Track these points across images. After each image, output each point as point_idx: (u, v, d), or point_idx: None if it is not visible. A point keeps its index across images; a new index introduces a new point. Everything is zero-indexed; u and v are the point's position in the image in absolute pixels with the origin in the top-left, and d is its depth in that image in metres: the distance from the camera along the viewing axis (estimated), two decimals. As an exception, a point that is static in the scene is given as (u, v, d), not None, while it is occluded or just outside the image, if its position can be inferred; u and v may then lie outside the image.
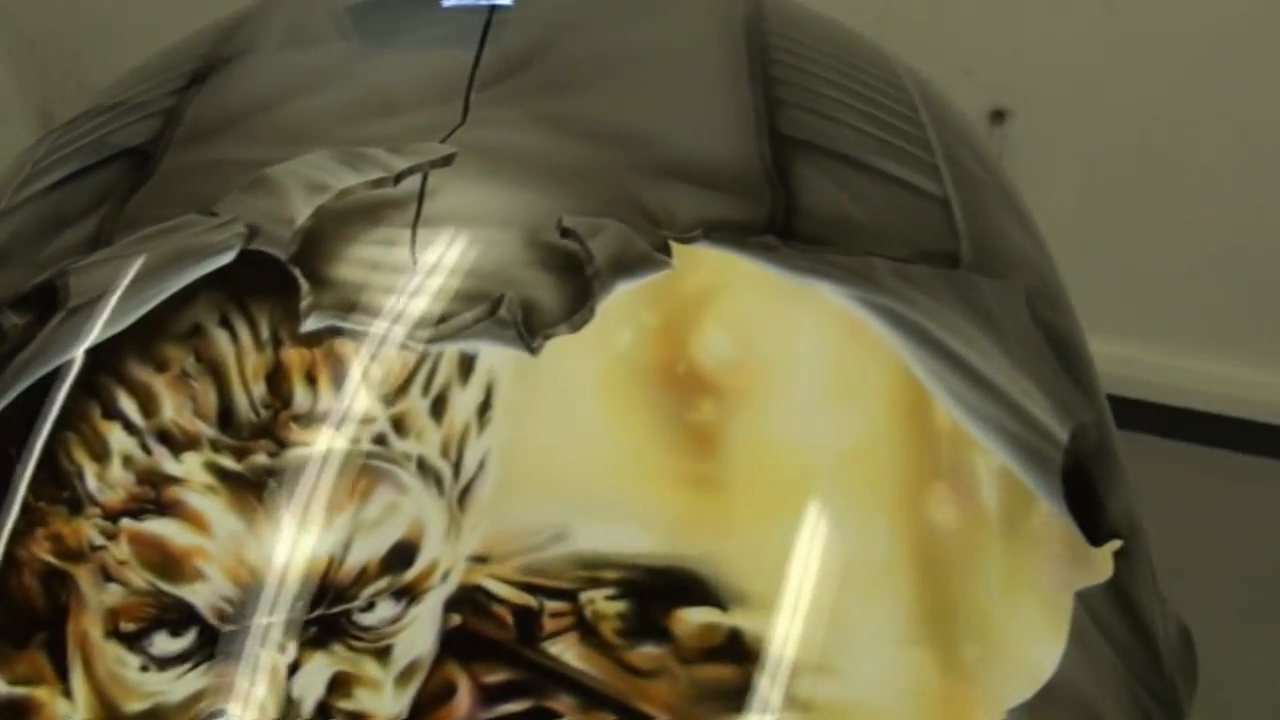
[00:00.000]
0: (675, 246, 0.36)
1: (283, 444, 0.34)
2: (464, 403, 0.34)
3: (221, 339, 0.35)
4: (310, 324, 0.35)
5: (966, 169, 0.45)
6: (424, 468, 0.33)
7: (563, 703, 0.32)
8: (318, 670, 0.32)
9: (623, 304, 0.35)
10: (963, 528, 0.35)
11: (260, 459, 0.33)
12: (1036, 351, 0.40)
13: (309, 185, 0.37)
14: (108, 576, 0.33)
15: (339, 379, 0.34)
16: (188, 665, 0.32)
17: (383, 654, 0.32)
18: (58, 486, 0.34)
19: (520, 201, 0.38)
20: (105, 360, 0.35)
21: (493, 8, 0.45)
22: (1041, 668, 0.35)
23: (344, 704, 0.32)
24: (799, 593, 0.33)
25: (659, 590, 0.33)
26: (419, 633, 0.32)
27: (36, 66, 1.60)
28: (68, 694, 0.32)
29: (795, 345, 0.36)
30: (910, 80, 0.49)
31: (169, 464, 0.34)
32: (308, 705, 0.32)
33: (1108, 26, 1.27)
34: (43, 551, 0.33)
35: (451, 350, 0.34)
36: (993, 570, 0.35)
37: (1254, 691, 1.03)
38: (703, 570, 0.33)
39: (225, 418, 0.34)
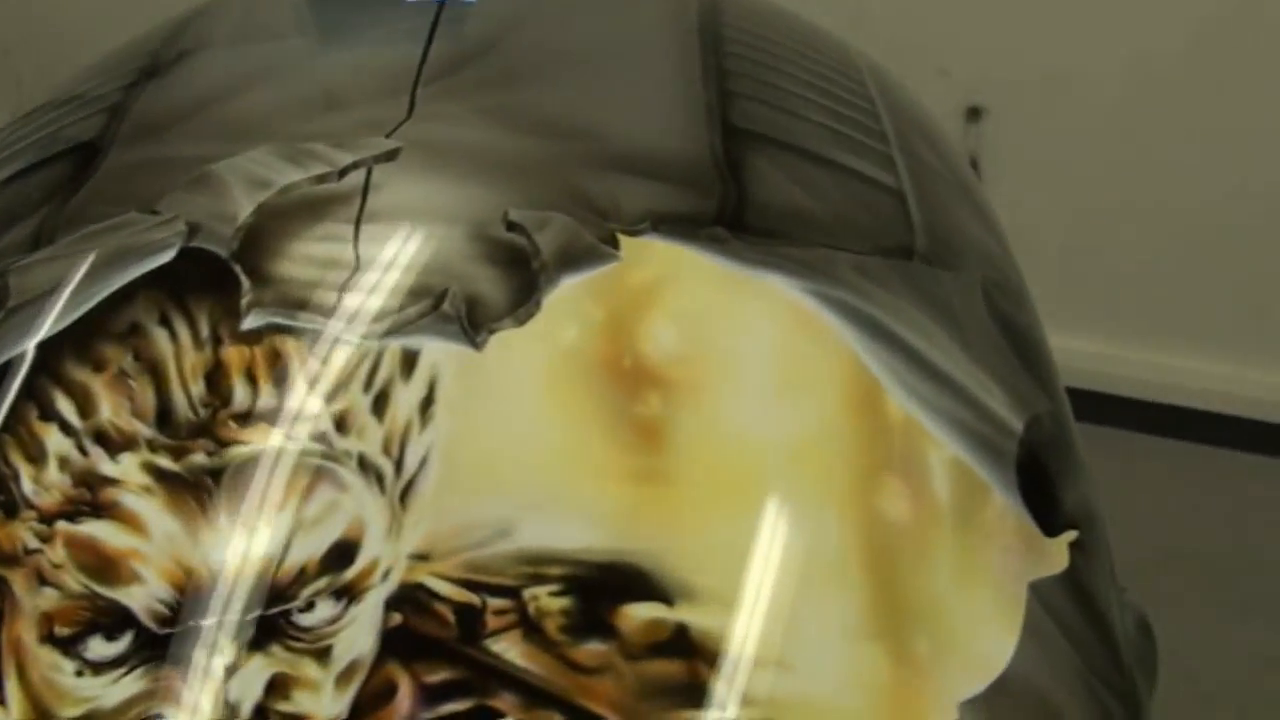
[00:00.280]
0: (623, 239, 0.36)
1: (222, 443, 0.33)
2: (406, 399, 0.33)
3: (160, 338, 0.34)
4: (250, 321, 0.34)
5: (923, 161, 0.45)
6: (365, 465, 0.33)
7: (506, 701, 0.31)
8: (256, 672, 0.31)
9: (569, 297, 0.35)
10: (915, 520, 0.35)
11: (198, 459, 0.33)
12: (992, 343, 0.40)
13: (251, 182, 0.37)
14: (43, 580, 0.33)
15: (279, 377, 0.34)
16: (124, 669, 0.32)
17: (322, 654, 0.32)
18: None
19: (465, 196, 0.37)
20: (43, 361, 0.34)
21: (442, 3, 0.44)
22: (994, 660, 0.34)
23: (282, 706, 0.31)
24: (747, 587, 0.33)
25: (604, 586, 0.32)
26: (359, 632, 0.32)
27: (9, 74, 1.59)
28: (1, 701, 0.32)
29: (744, 338, 0.36)
30: (869, 72, 0.49)
31: (106, 465, 0.33)
32: (246, 708, 0.31)
33: (1082, 24, 1.27)
34: None
35: (394, 346, 0.34)
36: (945, 563, 0.35)
37: (1231, 684, 1.03)
38: (648, 565, 0.32)
39: (163, 417, 0.33)
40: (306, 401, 0.33)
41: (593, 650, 0.32)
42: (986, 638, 0.35)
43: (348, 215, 0.36)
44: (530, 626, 0.32)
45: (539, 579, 0.32)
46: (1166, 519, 1.15)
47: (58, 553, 0.33)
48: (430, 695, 0.31)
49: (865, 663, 0.33)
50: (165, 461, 0.33)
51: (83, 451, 0.33)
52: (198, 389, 0.34)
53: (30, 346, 0.35)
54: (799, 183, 0.40)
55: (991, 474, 0.36)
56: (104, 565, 0.32)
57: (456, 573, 0.32)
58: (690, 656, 0.32)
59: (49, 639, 0.32)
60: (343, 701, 0.31)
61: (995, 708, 0.34)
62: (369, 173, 0.37)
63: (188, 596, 0.32)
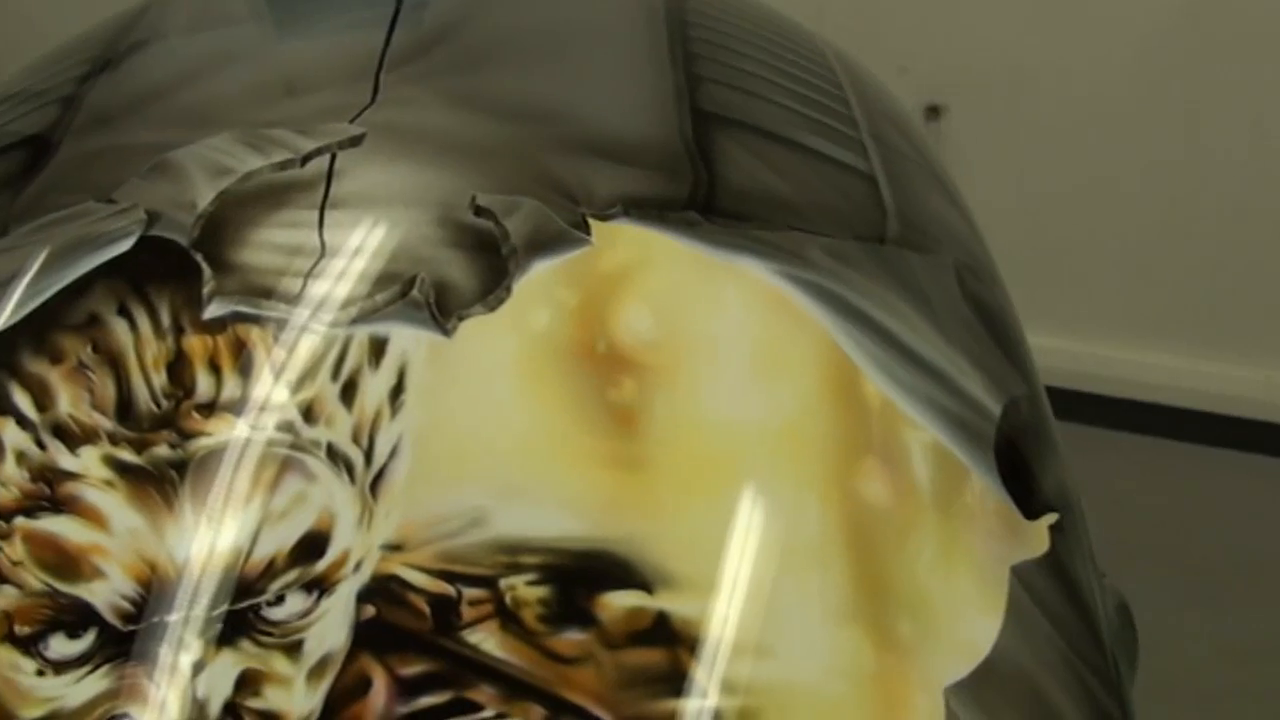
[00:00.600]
0: (594, 224, 0.35)
1: (185, 435, 0.32)
2: (375, 387, 0.33)
3: (120, 328, 0.33)
4: (213, 310, 0.33)
5: (893, 146, 0.45)
6: (334, 455, 0.32)
7: (484, 693, 0.31)
8: (224, 669, 0.31)
9: (540, 283, 0.34)
10: (895, 503, 0.35)
11: (162, 451, 0.32)
12: (967, 326, 0.39)
13: (211, 169, 0.36)
14: (1, 578, 0.31)
15: (244, 366, 0.33)
16: (87, 668, 0.31)
17: (293, 649, 0.31)
18: None
19: (432, 180, 0.36)
20: None
21: (405, -12, 0.43)
22: (979, 644, 0.34)
23: (253, 703, 0.30)
24: (727, 573, 0.32)
25: (582, 574, 0.31)
26: (331, 626, 0.31)
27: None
28: (-41, 703, 0.31)
29: (719, 322, 0.35)
30: (835, 59, 0.48)
31: (65, 459, 0.32)
32: (214, 705, 0.30)
33: (1041, 21, 1.27)
34: None
35: (362, 333, 0.33)
36: (926, 546, 0.34)
37: (1193, 675, 1.03)
38: (627, 553, 0.32)
39: (124, 409, 0.32)
40: (272, 391, 0.33)
41: (572, 640, 0.31)
42: (970, 621, 0.34)
43: (311, 201, 0.35)
44: (507, 617, 0.31)
45: (515, 568, 0.31)
46: (1127, 513, 1.15)
47: (16, 549, 0.32)
48: (406, 688, 0.30)
49: (849, 648, 0.33)
50: (127, 454, 0.32)
51: (41, 445, 0.32)
52: (160, 380, 0.33)
53: None
54: (770, 167, 0.40)
55: (970, 457, 0.36)
56: (65, 561, 0.31)
57: (430, 563, 0.31)
58: (671, 644, 0.31)
59: (9, 638, 0.31)
60: (315, 697, 0.30)
61: (980, 692, 0.33)
62: (333, 158, 0.36)
63: (152, 592, 0.31)
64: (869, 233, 0.39)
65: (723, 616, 0.32)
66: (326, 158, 0.36)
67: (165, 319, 0.33)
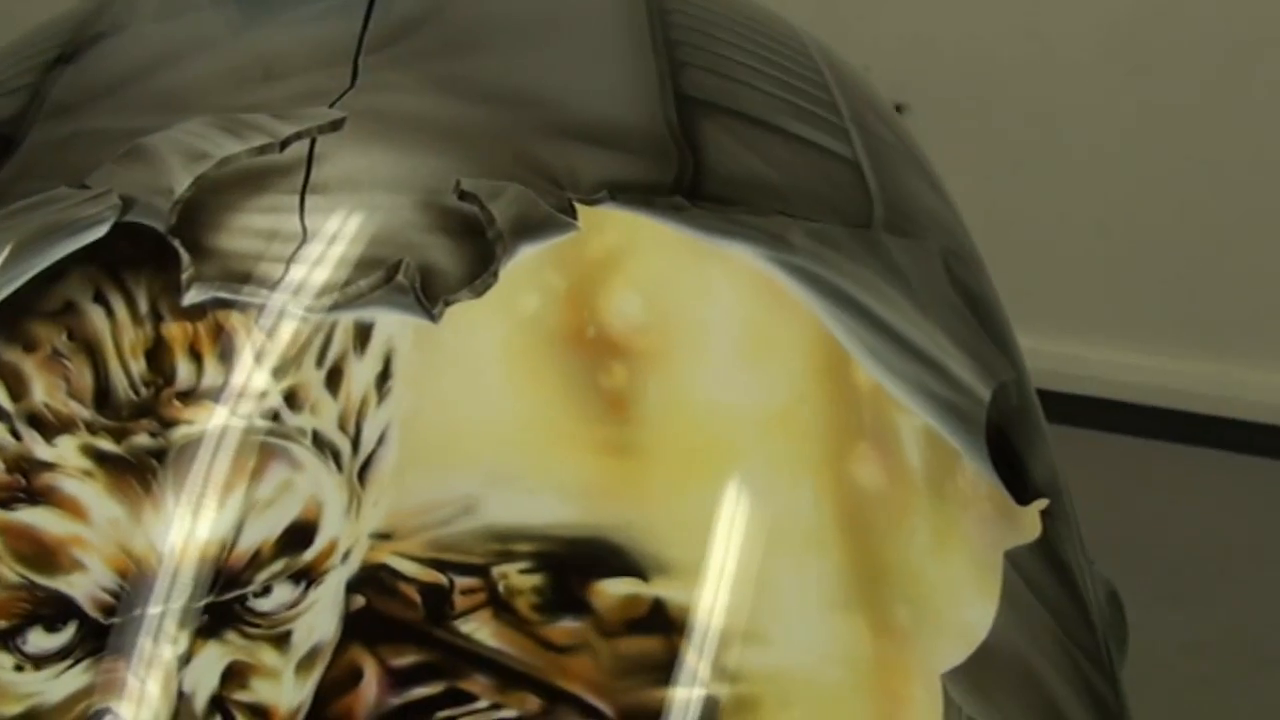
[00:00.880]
0: (580, 208, 0.35)
1: (166, 423, 0.31)
2: (361, 373, 0.32)
3: (96, 315, 0.32)
4: (192, 296, 0.32)
5: (875, 133, 0.44)
6: (320, 442, 0.31)
7: (478, 683, 0.30)
8: (211, 661, 0.30)
9: (528, 267, 0.33)
10: (889, 488, 0.34)
11: (142, 440, 0.31)
12: (955, 311, 0.39)
13: (187, 154, 0.35)
14: None
15: (225, 353, 0.32)
16: (67, 662, 0.30)
17: (281, 640, 0.30)
18: None
19: (414, 165, 0.36)
20: None
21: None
22: (976, 630, 0.34)
23: (241, 695, 0.30)
24: (723, 559, 0.32)
25: (576, 562, 0.31)
26: (320, 616, 0.30)
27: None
28: (-66, 700, 0.30)
29: (708, 306, 0.35)
30: (814, 47, 0.48)
31: (41, 449, 0.31)
32: (201, 699, 0.29)
33: (1003, 19, 1.28)
34: None
35: (346, 319, 0.32)
36: (921, 530, 0.34)
37: (1153, 669, 1.04)
38: (621, 540, 0.31)
39: (102, 398, 0.32)
40: (256, 378, 0.32)
41: (567, 628, 0.30)
42: (966, 607, 0.34)
43: (292, 186, 0.35)
44: (501, 605, 0.30)
45: (508, 556, 0.31)
46: (1088, 509, 1.16)
47: None
48: (398, 679, 0.30)
49: (846, 634, 0.32)
50: (106, 444, 0.31)
51: (15, 435, 0.31)
52: (138, 367, 0.32)
53: None
54: (756, 152, 0.39)
55: (962, 441, 0.36)
56: (42, 554, 0.30)
57: (421, 552, 0.30)
58: (668, 632, 0.31)
59: (-16, 634, 0.30)
60: (305, 689, 0.30)
61: (978, 677, 0.33)
62: (313, 143, 0.36)
63: (134, 583, 0.30)
64: (855, 218, 0.39)
65: (719, 603, 0.31)
66: (306, 142, 0.36)
67: (143, 306, 0.32)
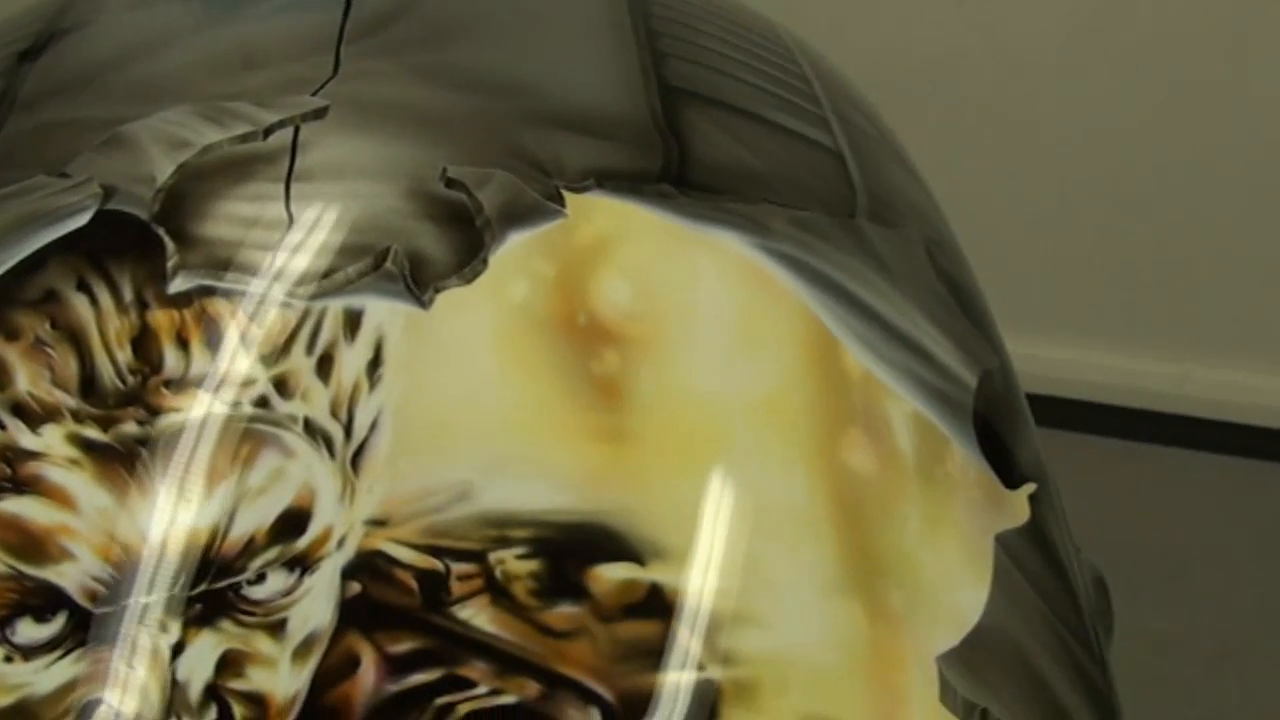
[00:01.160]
0: (567, 196, 0.35)
1: (154, 411, 0.31)
2: (352, 360, 0.31)
3: (80, 303, 0.32)
4: (178, 284, 0.32)
5: (855, 124, 0.45)
6: (312, 429, 0.31)
7: (476, 669, 0.30)
8: (205, 650, 0.29)
9: (517, 254, 0.33)
10: (881, 473, 0.34)
11: (129, 428, 0.31)
12: (939, 299, 0.39)
13: (169, 142, 0.35)
14: None
15: (213, 340, 0.32)
16: (57, 653, 0.29)
17: (276, 628, 0.30)
18: None
19: (400, 153, 0.35)
20: None
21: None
22: (968, 613, 0.34)
23: (236, 684, 0.29)
24: (719, 544, 0.32)
25: (573, 547, 0.31)
26: (315, 603, 0.30)
27: None
28: (-80, 693, 0.29)
29: (698, 293, 0.35)
30: (792, 41, 0.48)
31: (26, 438, 0.31)
32: (195, 688, 0.29)
33: (960, 21, 1.29)
34: None
35: (336, 306, 0.32)
36: (913, 515, 0.34)
37: (1125, 666, 1.05)
38: (618, 524, 0.31)
39: (88, 386, 0.31)
40: (245, 365, 0.31)
41: (565, 613, 0.30)
42: (959, 590, 0.34)
43: (276, 174, 0.34)
44: (498, 591, 0.30)
45: (504, 542, 0.30)
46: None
47: None
48: (396, 666, 0.29)
49: (841, 617, 0.32)
50: (92, 432, 0.31)
51: (0, 425, 0.31)
52: (124, 355, 0.31)
53: None
54: (741, 141, 0.39)
55: (950, 427, 0.36)
56: (30, 543, 0.30)
57: (417, 538, 0.30)
58: (665, 616, 0.31)
59: (-29, 625, 0.30)
60: (302, 677, 0.29)
61: (971, 659, 0.33)
62: (296, 131, 0.35)
63: (124, 572, 0.29)
64: (839, 207, 0.39)
65: (715, 587, 0.31)
66: (290, 130, 0.35)
67: (128, 294, 0.32)
